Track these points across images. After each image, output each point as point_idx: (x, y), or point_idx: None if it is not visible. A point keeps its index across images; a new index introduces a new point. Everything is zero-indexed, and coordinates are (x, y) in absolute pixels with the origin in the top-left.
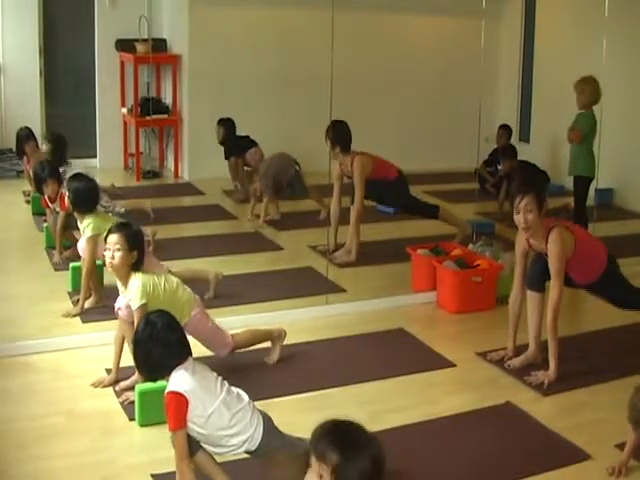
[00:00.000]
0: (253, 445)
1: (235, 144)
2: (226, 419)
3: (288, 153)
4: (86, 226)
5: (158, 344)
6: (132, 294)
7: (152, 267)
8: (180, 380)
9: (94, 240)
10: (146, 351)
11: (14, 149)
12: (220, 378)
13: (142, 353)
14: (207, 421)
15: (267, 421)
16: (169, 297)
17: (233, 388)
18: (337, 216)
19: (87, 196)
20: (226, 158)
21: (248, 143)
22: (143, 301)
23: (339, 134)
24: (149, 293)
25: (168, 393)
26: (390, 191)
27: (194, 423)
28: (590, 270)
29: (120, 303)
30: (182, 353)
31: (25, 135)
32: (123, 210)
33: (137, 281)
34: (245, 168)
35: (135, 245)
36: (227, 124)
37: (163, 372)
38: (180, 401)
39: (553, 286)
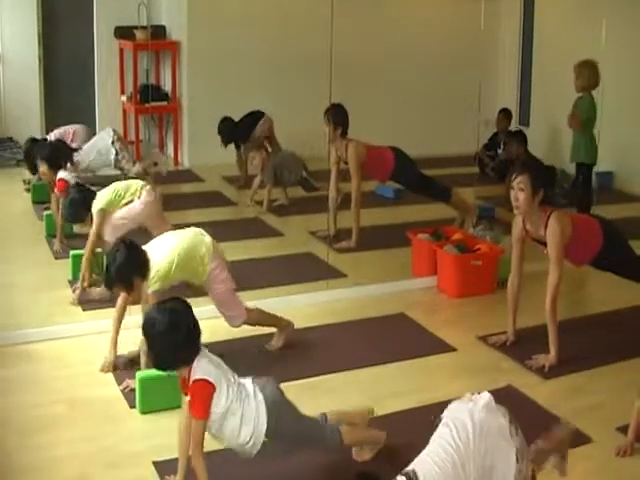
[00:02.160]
0: (259, 439)
1: (241, 133)
2: (238, 417)
3: (297, 155)
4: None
5: (173, 336)
6: (153, 275)
7: (161, 225)
8: (206, 369)
9: (102, 214)
10: (161, 344)
11: (14, 138)
12: (231, 372)
13: (158, 346)
14: (224, 417)
15: (272, 403)
16: (189, 254)
17: (240, 380)
18: (335, 201)
19: (80, 208)
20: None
21: (253, 120)
22: (157, 286)
23: (341, 116)
24: (167, 274)
25: (197, 381)
26: (396, 178)
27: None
28: (586, 252)
29: None
30: (194, 347)
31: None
32: (141, 169)
33: (162, 260)
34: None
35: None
36: (224, 126)
37: (176, 365)
38: (209, 390)
39: (552, 271)
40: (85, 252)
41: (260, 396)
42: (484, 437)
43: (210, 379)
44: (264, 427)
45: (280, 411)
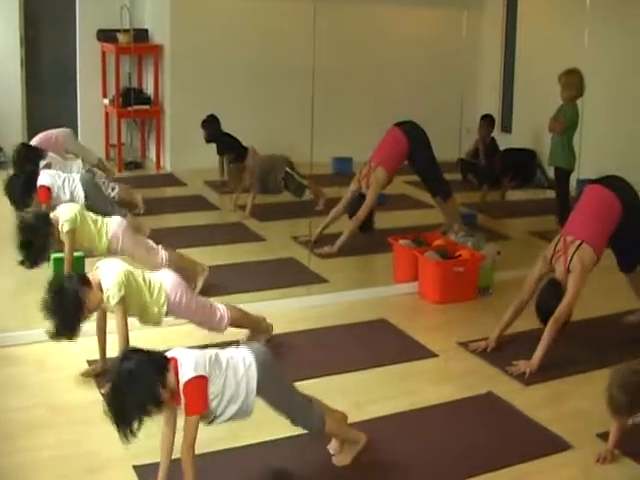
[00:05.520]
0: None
1: (225, 143)
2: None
3: (281, 155)
4: (63, 222)
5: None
6: (110, 290)
7: (148, 257)
8: (192, 364)
9: (72, 234)
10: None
11: None
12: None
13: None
14: (222, 394)
15: (262, 361)
16: (143, 290)
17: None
18: (335, 217)
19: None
20: (219, 154)
21: (236, 144)
22: (122, 293)
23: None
24: (125, 283)
25: (189, 381)
26: (409, 158)
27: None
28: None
29: None
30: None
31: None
32: (115, 194)
33: (113, 275)
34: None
35: None
36: (210, 124)
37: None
38: (203, 383)
39: (568, 295)
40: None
41: (250, 357)
42: None
43: (201, 373)
44: (254, 384)
45: (268, 366)
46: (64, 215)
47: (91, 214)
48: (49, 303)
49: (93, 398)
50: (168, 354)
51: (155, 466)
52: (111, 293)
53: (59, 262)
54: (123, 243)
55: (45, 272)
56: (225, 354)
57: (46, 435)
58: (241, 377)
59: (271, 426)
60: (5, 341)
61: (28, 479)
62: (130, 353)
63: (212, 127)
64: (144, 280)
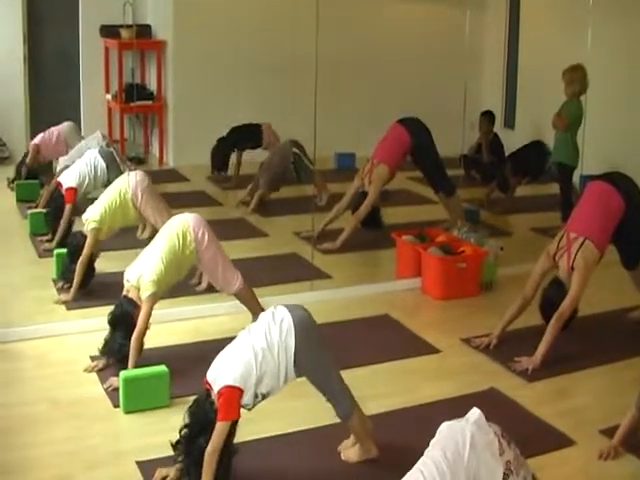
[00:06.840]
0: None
1: (240, 141)
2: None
3: (287, 140)
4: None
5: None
6: (143, 288)
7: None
8: (229, 375)
9: (96, 232)
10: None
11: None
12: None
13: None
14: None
15: (299, 322)
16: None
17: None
18: (338, 213)
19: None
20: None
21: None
22: (154, 289)
23: None
24: (158, 279)
25: (223, 389)
26: (412, 155)
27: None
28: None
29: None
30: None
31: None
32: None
33: (148, 276)
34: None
35: None
36: (221, 148)
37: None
38: (235, 394)
39: (572, 292)
40: (79, 270)
41: (288, 318)
42: (474, 452)
43: (235, 384)
44: (292, 345)
45: (306, 328)
46: (90, 215)
47: (114, 186)
48: (115, 341)
49: (95, 394)
50: (208, 376)
51: (158, 461)
52: (143, 289)
53: (62, 258)
54: (142, 199)
55: (45, 269)
56: (260, 340)
57: (47, 430)
58: (278, 346)
59: (269, 422)
60: (7, 336)
61: (29, 474)
62: (189, 442)
63: (223, 147)
64: (170, 237)
